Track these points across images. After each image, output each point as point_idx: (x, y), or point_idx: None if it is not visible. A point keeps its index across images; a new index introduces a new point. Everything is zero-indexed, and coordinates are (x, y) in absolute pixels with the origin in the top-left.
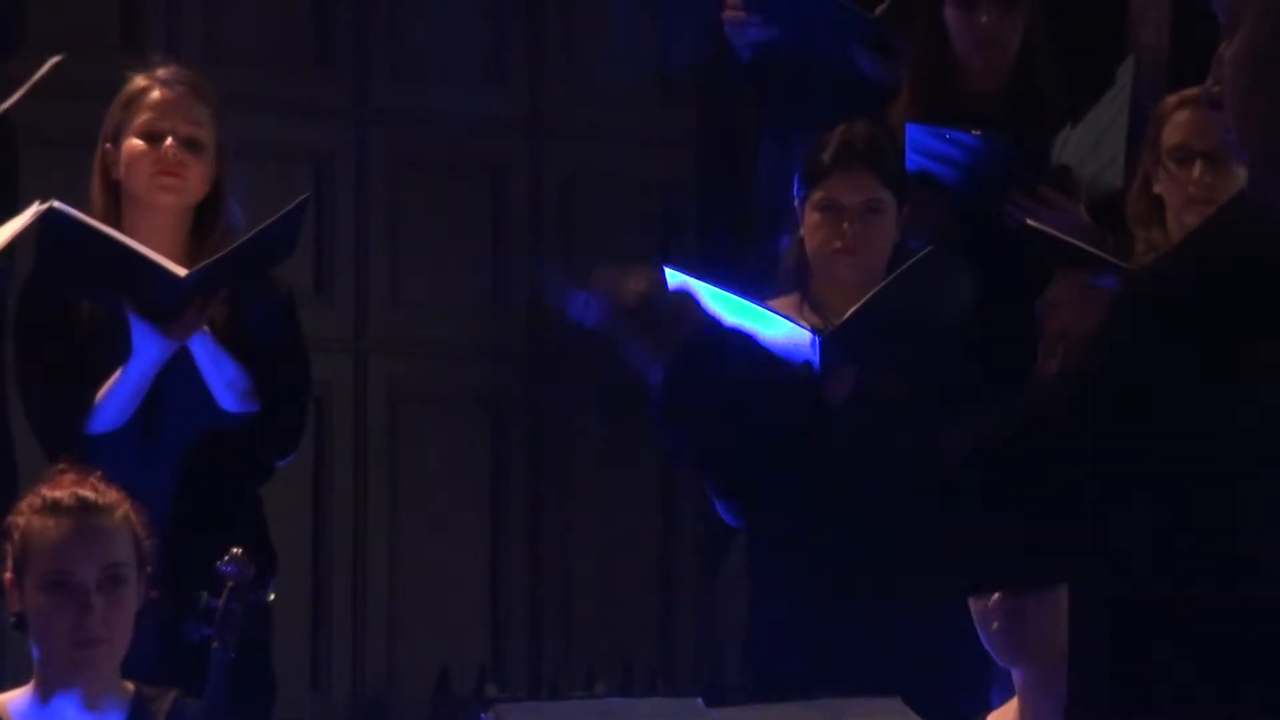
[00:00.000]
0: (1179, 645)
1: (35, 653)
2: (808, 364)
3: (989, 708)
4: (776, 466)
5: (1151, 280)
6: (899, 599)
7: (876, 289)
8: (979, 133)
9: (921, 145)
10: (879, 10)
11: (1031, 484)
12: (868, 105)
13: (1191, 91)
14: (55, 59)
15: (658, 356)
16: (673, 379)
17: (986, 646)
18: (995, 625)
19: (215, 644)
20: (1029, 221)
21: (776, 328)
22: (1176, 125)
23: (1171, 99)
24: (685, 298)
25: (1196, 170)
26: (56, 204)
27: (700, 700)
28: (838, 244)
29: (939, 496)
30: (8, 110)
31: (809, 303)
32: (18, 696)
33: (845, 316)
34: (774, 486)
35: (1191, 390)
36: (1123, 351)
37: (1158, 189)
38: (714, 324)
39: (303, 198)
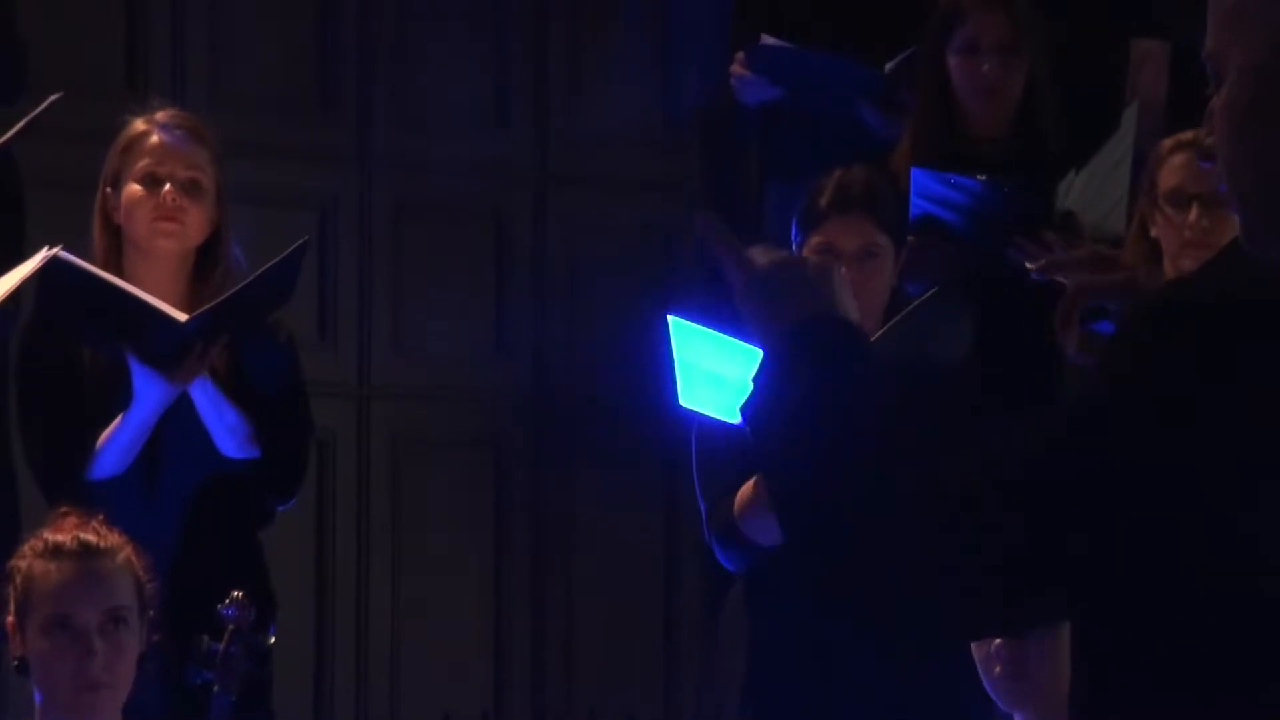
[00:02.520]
0: (1181, 681)
1: (37, 696)
2: None
3: None
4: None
5: (1151, 316)
6: (898, 640)
7: (886, 328)
8: (983, 177)
9: (926, 190)
10: (889, 66)
11: (1030, 522)
12: (872, 151)
13: (1187, 135)
14: (53, 97)
15: (779, 323)
16: (786, 353)
17: (989, 690)
18: (998, 670)
19: (216, 688)
20: (1028, 265)
21: None
22: (1172, 169)
23: (1167, 142)
24: (825, 270)
25: (1193, 214)
26: (60, 252)
27: None
28: None
29: (937, 535)
30: (9, 150)
31: None
32: None
33: None
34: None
35: (1193, 425)
36: (1122, 390)
37: (1154, 232)
38: (839, 311)
39: (301, 241)
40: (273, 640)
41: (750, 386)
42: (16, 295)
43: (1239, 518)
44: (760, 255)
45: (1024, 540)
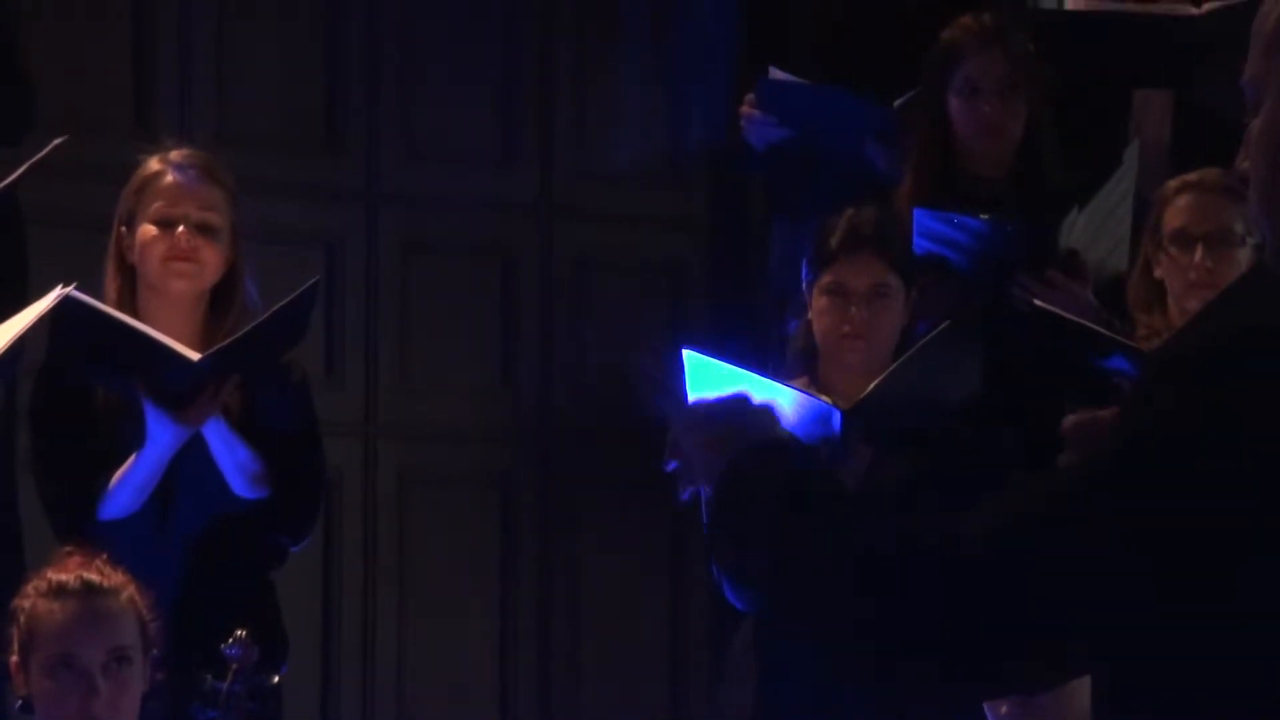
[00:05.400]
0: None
1: None
2: (829, 439)
3: None
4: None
5: (1169, 361)
6: (915, 700)
7: (898, 363)
8: (986, 216)
9: (929, 230)
10: (898, 103)
11: (1047, 572)
12: (877, 191)
13: (1192, 176)
14: (58, 140)
15: (716, 463)
16: (729, 486)
17: None
18: (1004, 710)
19: None
20: (1036, 302)
21: (795, 404)
22: (1177, 210)
23: (1172, 184)
24: (743, 401)
25: (1197, 255)
26: (73, 291)
27: None
28: (845, 328)
29: (948, 590)
30: (14, 191)
31: (817, 385)
32: None
33: (868, 391)
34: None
35: (1219, 464)
36: (1147, 433)
37: (1158, 273)
38: (774, 427)
39: (314, 281)
40: (277, 679)
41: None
42: (22, 337)
43: (1266, 559)
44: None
45: (1046, 597)
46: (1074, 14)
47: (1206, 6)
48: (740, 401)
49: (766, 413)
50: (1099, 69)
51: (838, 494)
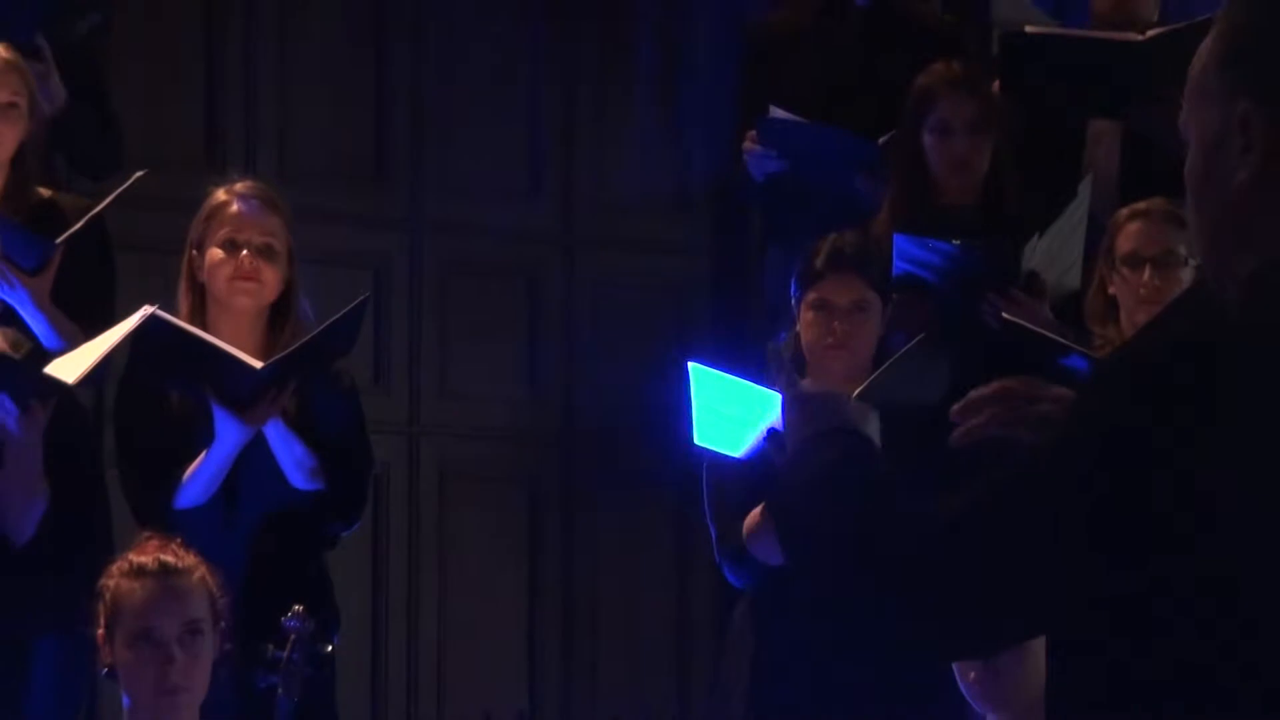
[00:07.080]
0: (1155, 700)
1: (125, 701)
2: None
3: None
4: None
5: (1119, 363)
6: (878, 658)
7: (879, 372)
8: (957, 242)
9: (906, 253)
10: (882, 140)
11: (996, 560)
12: (859, 219)
13: (1141, 205)
14: (138, 174)
15: (812, 430)
16: (792, 463)
17: (965, 693)
18: (972, 675)
19: (280, 690)
20: (1005, 315)
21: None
22: (1128, 235)
23: (1124, 211)
24: (836, 397)
25: (1146, 274)
26: (157, 311)
27: None
28: (829, 340)
29: (903, 569)
30: (102, 220)
31: None
32: None
33: (852, 396)
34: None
35: (1163, 464)
36: (1093, 431)
37: (1112, 291)
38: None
39: (363, 298)
40: (329, 649)
41: (763, 434)
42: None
43: (1209, 548)
44: (807, 385)
45: (997, 574)
46: (1031, 34)
47: (1150, 33)
48: (833, 396)
49: (859, 408)
50: (1051, 88)
51: (875, 482)
